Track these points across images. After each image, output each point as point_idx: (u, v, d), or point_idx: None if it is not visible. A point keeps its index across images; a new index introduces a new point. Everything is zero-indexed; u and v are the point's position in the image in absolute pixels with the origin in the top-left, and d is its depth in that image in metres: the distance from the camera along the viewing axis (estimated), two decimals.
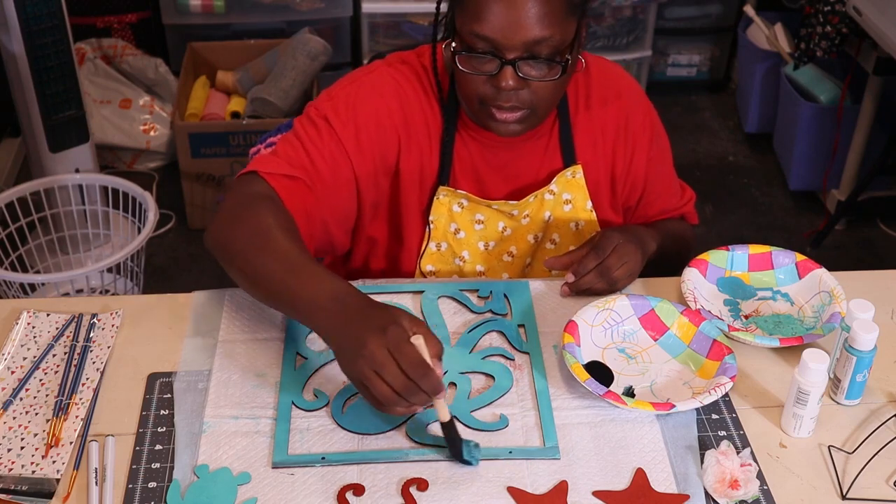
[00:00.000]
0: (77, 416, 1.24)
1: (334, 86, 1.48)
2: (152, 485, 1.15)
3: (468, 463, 1.17)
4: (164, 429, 1.23)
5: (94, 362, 1.32)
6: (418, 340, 1.12)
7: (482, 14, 1.29)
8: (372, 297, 1.43)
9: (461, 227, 1.51)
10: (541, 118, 1.41)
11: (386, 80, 1.46)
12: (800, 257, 1.49)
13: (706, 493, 1.15)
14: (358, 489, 1.14)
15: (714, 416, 1.26)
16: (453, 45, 1.35)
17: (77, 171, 2.64)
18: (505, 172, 1.51)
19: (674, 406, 1.22)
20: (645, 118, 1.56)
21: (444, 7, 1.40)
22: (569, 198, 1.53)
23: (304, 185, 1.38)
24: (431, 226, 1.50)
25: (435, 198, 1.49)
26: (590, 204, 1.54)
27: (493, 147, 1.49)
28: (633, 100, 1.55)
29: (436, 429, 1.22)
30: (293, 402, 1.25)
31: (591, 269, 1.42)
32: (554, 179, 1.51)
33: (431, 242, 1.51)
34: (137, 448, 1.20)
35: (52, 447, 1.19)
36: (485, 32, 1.30)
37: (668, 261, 1.57)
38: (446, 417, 1.16)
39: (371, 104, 1.43)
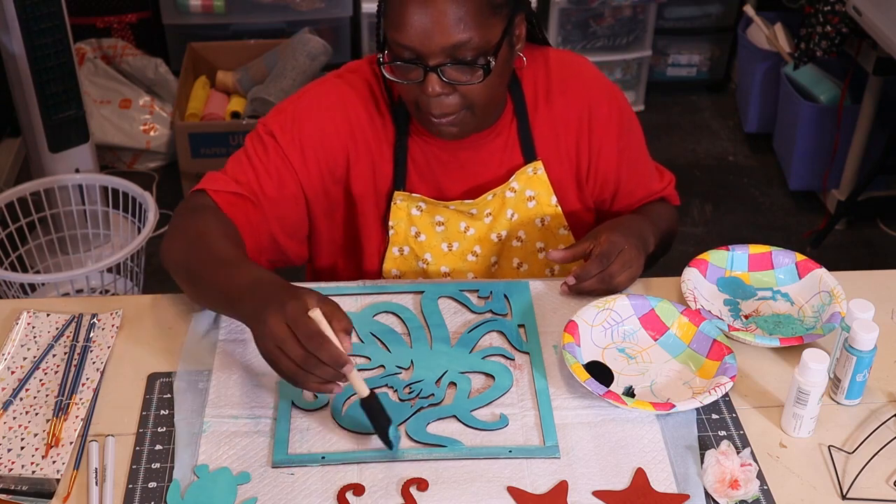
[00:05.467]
0: (77, 416, 1.24)
1: (285, 101, 1.50)
2: (152, 485, 1.15)
3: (390, 445, 1.17)
4: (164, 429, 1.23)
5: (94, 362, 1.32)
6: (315, 313, 1.14)
7: (401, 23, 1.30)
8: (371, 297, 1.44)
9: (421, 230, 1.52)
10: (481, 119, 1.41)
11: (332, 93, 1.48)
12: (800, 257, 1.49)
13: (706, 493, 1.15)
14: (358, 489, 1.14)
15: (714, 416, 1.26)
16: (381, 56, 1.36)
17: (77, 171, 2.64)
18: (463, 172, 1.51)
19: (674, 406, 1.22)
20: (611, 108, 1.53)
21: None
22: (532, 194, 1.52)
23: (248, 202, 1.43)
24: (391, 231, 1.51)
25: (392, 203, 1.49)
26: (554, 199, 1.53)
27: (450, 148, 1.49)
28: (595, 90, 1.53)
29: (436, 429, 1.22)
30: (293, 402, 1.25)
31: (593, 275, 1.41)
32: (514, 176, 1.51)
33: (393, 247, 1.52)
34: (137, 448, 1.20)
35: (52, 447, 1.19)
36: (405, 41, 1.30)
37: (657, 251, 1.56)
38: (364, 392, 1.17)
39: (316, 118, 1.46)
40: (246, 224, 1.42)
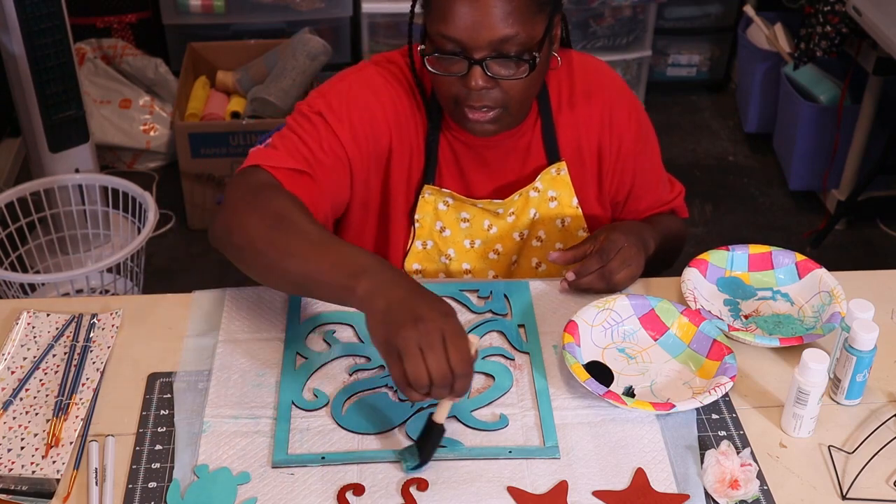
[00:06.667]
0: (77, 416, 1.24)
1: (324, 85, 1.48)
2: (152, 485, 1.15)
3: (415, 468, 1.16)
4: (164, 429, 1.23)
5: (94, 362, 1.32)
6: (475, 339, 1.11)
7: (448, 15, 1.30)
8: None
9: (447, 225, 1.52)
10: (515, 116, 1.42)
11: (375, 78, 1.47)
12: (800, 257, 1.49)
13: (706, 493, 1.15)
14: (358, 489, 1.14)
15: (714, 416, 1.26)
16: (422, 47, 1.36)
17: (77, 171, 2.64)
18: (489, 171, 1.52)
19: (674, 406, 1.22)
20: (630, 113, 1.55)
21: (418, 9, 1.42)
22: (554, 195, 1.53)
23: (307, 178, 1.38)
24: (417, 224, 1.51)
25: (420, 196, 1.49)
26: (575, 200, 1.54)
27: (477, 146, 1.49)
28: (616, 94, 1.54)
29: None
30: (293, 402, 1.25)
31: (593, 271, 1.42)
32: (538, 177, 1.51)
33: (417, 241, 1.52)
34: (137, 448, 1.20)
35: (52, 447, 1.19)
36: (451, 33, 1.31)
37: (661, 258, 1.57)
38: (441, 420, 1.16)
39: (363, 100, 1.44)
40: (308, 201, 1.35)
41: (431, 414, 1.16)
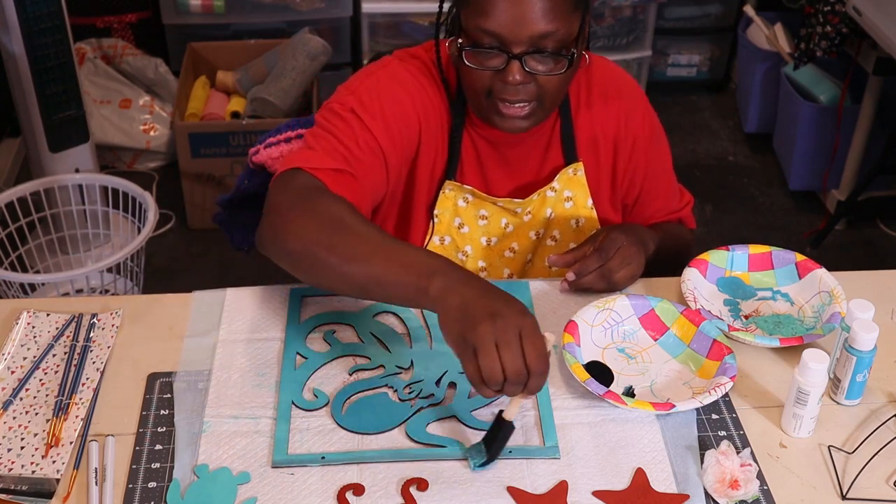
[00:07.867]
0: (77, 416, 1.24)
1: (350, 81, 1.47)
2: (152, 485, 1.15)
3: (482, 465, 1.16)
4: (164, 429, 1.23)
5: (94, 362, 1.32)
6: (551, 337, 1.11)
7: (488, 9, 1.30)
8: None
9: (465, 221, 1.52)
10: (546, 112, 1.42)
11: (402, 73, 1.46)
12: (800, 257, 1.49)
13: (706, 493, 1.15)
14: (358, 489, 1.14)
15: (714, 416, 1.26)
16: (459, 41, 1.36)
17: (77, 171, 2.64)
18: (510, 169, 1.52)
19: (674, 406, 1.22)
20: (645, 118, 1.56)
21: (446, 6, 1.42)
22: (570, 195, 1.54)
23: (349, 176, 1.36)
24: (436, 220, 1.51)
25: (441, 192, 1.50)
26: (590, 201, 1.55)
27: (498, 144, 1.50)
28: (633, 99, 1.56)
29: (436, 429, 1.22)
30: (293, 402, 1.25)
31: (593, 269, 1.42)
32: (556, 177, 1.52)
33: (435, 236, 1.52)
34: (137, 448, 1.20)
35: (52, 447, 1.19)
36: (491, 27, 1.31)
37: (664, 263, 1.57)
38: (511, 417, 1.15)
39: (394, 95, 1.43)
40: (352, 200, 1.32)
41: (501, 411, 1.16)
